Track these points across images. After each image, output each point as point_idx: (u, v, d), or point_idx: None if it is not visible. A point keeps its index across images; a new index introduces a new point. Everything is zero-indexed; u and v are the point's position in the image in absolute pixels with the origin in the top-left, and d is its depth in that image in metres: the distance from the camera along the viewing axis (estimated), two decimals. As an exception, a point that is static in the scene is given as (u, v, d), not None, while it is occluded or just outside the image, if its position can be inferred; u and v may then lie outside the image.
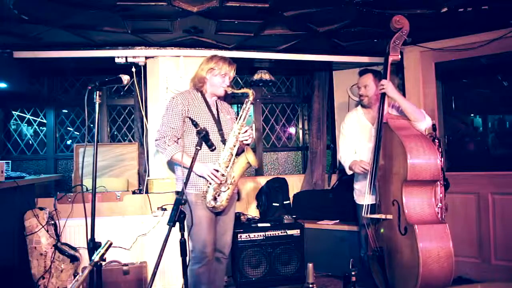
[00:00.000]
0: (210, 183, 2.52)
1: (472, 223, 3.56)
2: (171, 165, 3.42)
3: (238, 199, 4.18)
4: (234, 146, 2.58)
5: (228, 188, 2.55)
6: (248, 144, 2.67)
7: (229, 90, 2.71)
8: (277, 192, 4.18)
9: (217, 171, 2.51)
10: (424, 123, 2.73)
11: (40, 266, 3.08)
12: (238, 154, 2.64)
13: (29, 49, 3.45)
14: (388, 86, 2.72)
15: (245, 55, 3.81)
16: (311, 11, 2.84)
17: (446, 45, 3.57)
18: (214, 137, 2.60)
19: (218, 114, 2.73)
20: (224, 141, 2.62)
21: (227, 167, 2.55)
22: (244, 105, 2.67)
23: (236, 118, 2.70)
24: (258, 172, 4.75)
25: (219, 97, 2.79)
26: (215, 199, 2.53)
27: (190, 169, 2.13)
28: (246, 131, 2.61)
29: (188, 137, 2.62)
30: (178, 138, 2.62)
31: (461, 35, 3.47)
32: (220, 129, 2.66)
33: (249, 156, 2.59)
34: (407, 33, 2.72)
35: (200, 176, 2.54)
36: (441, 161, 2.65)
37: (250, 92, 2.68)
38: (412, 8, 2.84)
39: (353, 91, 4.27)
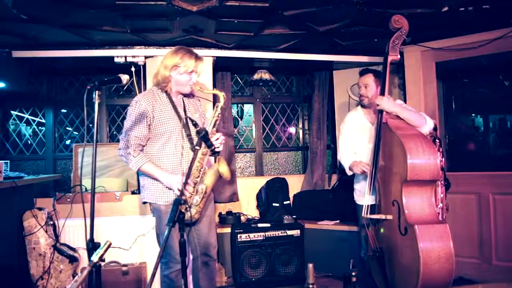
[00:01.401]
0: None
1: (473, 223, 3.55)
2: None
3: (237, 199, 4.17)
4: (204, 155, 2.38)
5: (200, 202, 2.39)
6: (219, 152, 2.47)
7: (196, 88, 2.49)
8: (277, 192, 4.17)
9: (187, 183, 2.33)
10: (426, 127, 2.72)
11: (39, 266, 3.07)
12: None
13: (28, 49, 3.44)
14: (383, 102, 2.67)
15: (245, 55, 3.80)
16: (311, 10, 2.83)
17: (447, 45, 3.56)
18: (183, 142, 2.41)
19: (185, 115, 2.49)
20: (194, 147, 2.37)
21: (197, 177, 2.37)
22: (214, 111, 2.45)
23: (210, 120, 2.49)
24: (258, 172, 4.74)
25: (185, 94, 2.56)
26: (186, 211, 2.30)
27: (190, 170, 2.07)
28: (217, 138, 2.41)
29: (156, 145, 2.44)
30: (143, 146, 2.44)
31: (462, 34, 3.46)
32: (188, 134, 2.44)
33: (222, 167, 2.40)
34: (406, 32, 2.70)
35: (168, 188, 2.39)
36: (441, 161, 2.64)
37: (221, 95, 2.44)
38: (412, 8, 2.83)
39: (353, 91, 4.26)
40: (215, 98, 3.55)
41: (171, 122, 2.42)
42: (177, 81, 2.44)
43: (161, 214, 2.43)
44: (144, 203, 2.58)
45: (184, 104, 2.53)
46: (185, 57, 2.41)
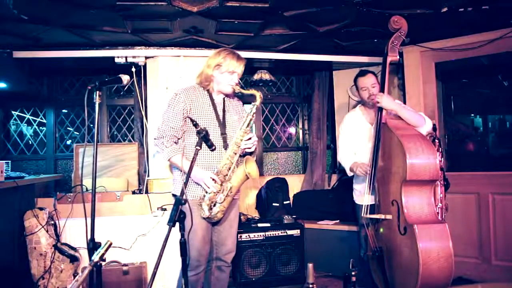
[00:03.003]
0: (206, 192, 2.36)
1: (472, 223, 3.56)
2: (171, 165, 3.37)
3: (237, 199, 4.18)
4: (235, 154, 2.39)
5: (224, 200, 2.37)
6: (251, 153, 2.49)
7: (237, 89, 2.49)
8: (277, 192, 4.18)
9: (215, 180, 2.34)
10: (425, 127, 2.72)
11: (40, 266, 3.08)
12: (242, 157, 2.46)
13: (29, 49, 3.45)
14: (383, 99, 2.68)
15: (245, 55, 3.74)
16: (311, 11, 2.83)
17: (446, 45, 3.57)
18: (216, 140, 2.41)
19: (224, 114, 2.51)
20: (226, 146, 2.44)
21: (225, 175, 2.38)
22: (250, 110, 2.44)
23: (244, 119, 2.48)
24: (258, 172, 4.74)
25: (227, 95, 2.57)
26: (210, 208, 2.36)
27: (190, 169, 2.08)
28: (249, 138, 2.43)
29: (191, 139, 2.45)
30: (179, 138, 2.46)
31: (461, 35, 3.47)
32: (223, 132, 2.46)
33: (249, 167, 2.38)
34: (405, 33, 2.71)
35: (197, 183, 2.40)
36: (441, 161, 2.65)
37: (257, 94, 2.44)
38: (412, 8, 2.84)
39: (353, 91, 4.27)
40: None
41: (207, 118, 2.44)
42: (219, 80, 2.47)
43: (185, 209, 2.41)
44: (174, 195, 2.57)
45: (224, 105, 2.55)
46: (228, 57, 2.44)
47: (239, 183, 2.42)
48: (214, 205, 2.37)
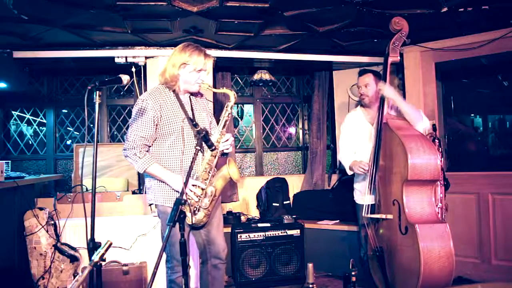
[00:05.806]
0: (188, 198, 2.24)
1: (472, 223, 3.56)
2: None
3: (237, 200, 4.18)
4: (214, 157, 2.30)
5: (208, 205, 2.30)
6: (228, 154, 2.42)
7: (205, 87, 2.36)
8: (277, 192, 4.18)
9: (195, 185, 2.26)
10: (422, 124, 2.73)
11: (40, 266, 3.08)
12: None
13: (29, 49, 3.45)
14: (385, 88, 2.71)
15: (245, 55, 3.80)
16: (311, 11, 2.83)
17: (446, 45, 3.57)
18: (191, 143, 2.31)
19: (193, 114, 2.39)
20: (202, 149, 2.28)
21: (205, 179, 2.29)
22: (225, 110, 2.36)
23: (218, 121, 2.41)
24: (258, 172, 4.75)
25: (192, 93, 2.45)
26: (194, 213, 2.27)
27: (189, 170, 2.03)
28: (227, 139, 2.35)
29: (164, 145, 2.33)
30: (149, 146, 2.34)
31: (461, 35, 3.47)
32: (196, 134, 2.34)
33: (231, 169, 2.30)
34: (407, 34, 2.71)
35: (176, 191, 2.29)
36: (441, 161, 2.65)
37: (231, 94, 2.36)
38: (412, 8, 2.84)
39: (353, 91, 4.27)
40: (217, 99, 3.59)
41: (179, 122, 2.32)
42: (185, 79, 2.34)
43: (167, 217, 2.39)
44: (151, 205, 2.51)
45: (191, 103, 2.44)
46: (194, 54, 2.31)
47: (222, 186, 2.35)
48: (198, 210, 2.29)
